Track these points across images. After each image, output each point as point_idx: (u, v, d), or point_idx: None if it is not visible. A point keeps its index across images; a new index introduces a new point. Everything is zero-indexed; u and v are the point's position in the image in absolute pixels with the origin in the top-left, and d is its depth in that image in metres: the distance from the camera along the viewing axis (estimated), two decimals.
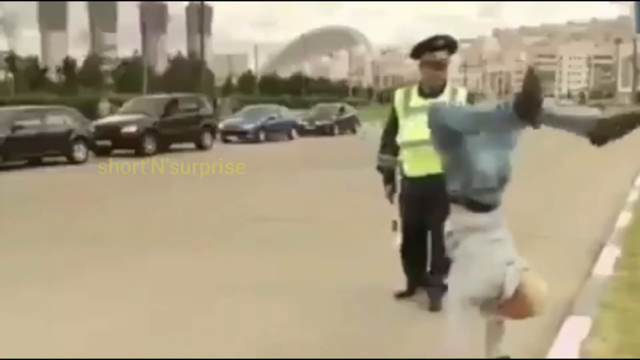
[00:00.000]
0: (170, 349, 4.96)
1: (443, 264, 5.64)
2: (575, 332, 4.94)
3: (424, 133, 5.49)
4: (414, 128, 5.61)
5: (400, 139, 5.81)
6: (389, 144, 5.95)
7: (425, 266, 5.99)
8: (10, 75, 63.57)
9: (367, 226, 9.19)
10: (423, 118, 5.52)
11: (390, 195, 5.97)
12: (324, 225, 10.03)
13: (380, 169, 6.04)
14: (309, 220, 10.42)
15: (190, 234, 9.46)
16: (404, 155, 5.83)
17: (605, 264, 6.95)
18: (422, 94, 5.73)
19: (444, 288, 5.64)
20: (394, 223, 5.85)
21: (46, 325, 5.53)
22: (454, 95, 5.66)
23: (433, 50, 5.62)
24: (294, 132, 33.38)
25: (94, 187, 15.88)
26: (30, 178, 17.51)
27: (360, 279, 6.84)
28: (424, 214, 5.73)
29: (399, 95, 5.88)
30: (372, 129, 30.03)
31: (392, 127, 5.91)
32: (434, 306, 5.75)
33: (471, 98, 5.80)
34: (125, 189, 15.13)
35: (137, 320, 5.67)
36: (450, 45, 5.66)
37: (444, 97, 5.61)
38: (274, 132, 31.88)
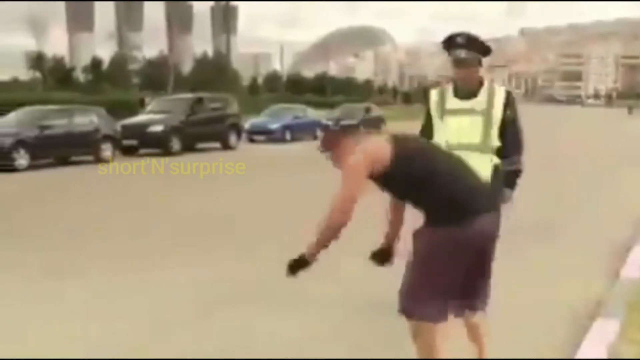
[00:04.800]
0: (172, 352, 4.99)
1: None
2: (603, 333, 4.91)
3: (462, 136, 5.47)
4: (451, 131, 5.46)
5: (435, 142, 5.47)
6: None
7: None
8: (38, 74, 64.17)
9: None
10: (460, 121, 5.50)
11: None
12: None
13: None
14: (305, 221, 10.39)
15: (195, 235, 9.44)
16: None
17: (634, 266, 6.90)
18: (457, 94, 5.50)
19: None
20: None
21: (44, 326, 5.58)
22: (492, 97, 5.43)
23: (452, 49, 5.42)
24: (319, 132, 33.30)
25: (104, 187, 16.01)
26: (59, 176, 17.65)
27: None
28: None
29: (434, 95, 5.61)
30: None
31: (427, 130, 5.63)
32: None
33: (510, 97, 5.49)
34: (126, 190, 15.18)
35: (137, 324, 5.67)
36: (469, 43, 5.41)
37: (481, 99, 5.42)
38: (299, 131, 31.90)
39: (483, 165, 5.44)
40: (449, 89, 5.57)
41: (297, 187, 14.72)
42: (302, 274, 3.85)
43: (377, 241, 4.38)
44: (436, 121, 5.58)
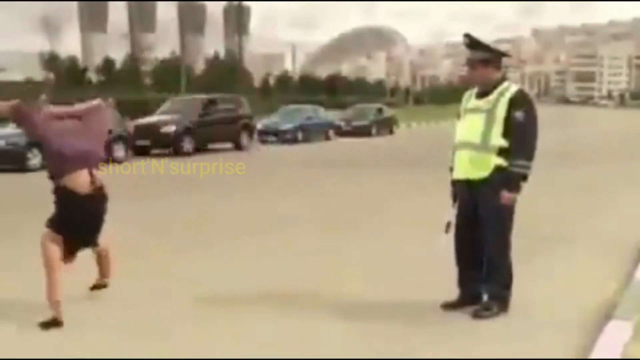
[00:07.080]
0: None
1: (495, 275, 5.56)
2: (617, 335, 4.88)
3: (466, 135, 5.52)
4: (461, 129, 5.62)
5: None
6: None
7: (478, 276, 5.62)
8: (51, 75, 64.35)
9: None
10: (469, 119, 5.55)
11: (453, 197, 5.71)
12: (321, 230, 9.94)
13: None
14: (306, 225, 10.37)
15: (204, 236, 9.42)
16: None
17: None
18: (476, 94, 5.61)
19: (497, 299, 5.57)
20: (448, 224, 5.64)
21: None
22: (500, 97, 5.44)
23: (467, 49, 5.62)
24: (331, 133, 33.23)
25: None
26: None
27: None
28: (473, 219, 5.55)
29: (465, 97, 5.77)
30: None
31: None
32: (476, 313, 5.50)
33: (520, 97, 5.45)
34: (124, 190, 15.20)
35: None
36: (472, 44, 5.57)
37: (491, 98, 5.46)
38: (311, 132, 31.76)
39: (481, 165, 5.42)
40: (476, 90, 5.66)
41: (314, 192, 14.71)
42: None
43: None
44: (459, 121, 5.71)
